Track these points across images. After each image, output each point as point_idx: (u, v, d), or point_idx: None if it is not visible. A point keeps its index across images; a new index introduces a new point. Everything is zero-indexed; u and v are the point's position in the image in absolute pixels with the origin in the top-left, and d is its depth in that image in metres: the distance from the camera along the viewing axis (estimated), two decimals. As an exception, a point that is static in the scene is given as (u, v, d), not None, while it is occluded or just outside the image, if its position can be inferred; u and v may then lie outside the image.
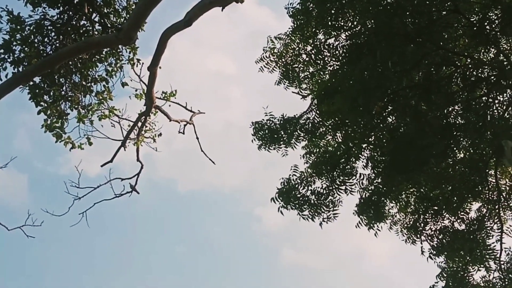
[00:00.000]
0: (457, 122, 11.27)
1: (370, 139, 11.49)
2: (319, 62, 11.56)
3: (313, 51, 11.56)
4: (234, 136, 33.49)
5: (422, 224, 11.82)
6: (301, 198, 11.62)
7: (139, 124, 15.49)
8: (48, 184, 31.31)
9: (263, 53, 12.54)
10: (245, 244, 35.99)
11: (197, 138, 15.75)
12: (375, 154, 11.59)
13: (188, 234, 36.21)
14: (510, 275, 11.30)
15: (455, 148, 11.39)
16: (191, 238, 35.43)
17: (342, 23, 11.23)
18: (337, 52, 11.31)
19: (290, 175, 11.84)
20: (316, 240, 33.84)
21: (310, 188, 11.77)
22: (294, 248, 34.75)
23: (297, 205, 11.55)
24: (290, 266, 33.97)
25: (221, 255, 34.44)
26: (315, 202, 11.64)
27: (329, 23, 11.18)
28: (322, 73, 11.84)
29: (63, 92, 14.52)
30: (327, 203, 11.68)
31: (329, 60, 11.49)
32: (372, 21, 10.56)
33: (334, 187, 11.68)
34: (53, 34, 14.22)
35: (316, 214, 11.59)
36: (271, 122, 12.18)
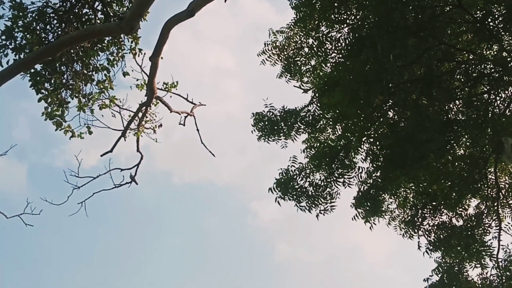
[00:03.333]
0: (458, 118, 11.23)
1: (369, 133, 11.44)
2: (321, 54, 11.51)
3: (315, 43, 11.51)
4: (231, 129, 33.52)
5: (420, 219, 11.80)
6: (299, 189, 11.59)
7: (140, 114, 15.47)
8: (47, 175, 31.30)
9: (264, 47, 12.53)
10: (240, 238, 36.07)
11: (198, 130, 15.72)
12: (374, 147, 11.54)
13: (183, 226, 36.27)
14: (507, 273, 11.27)
15: (454, 144, 11.36)
16: (186, 230, 35.50)
17: (344, 16, 11.19)
18: (339, 44, 11.27)
19: (288, 166, 11.83)
20: (312, 236, 33.79)
21: (308, 179, 11.74)
22: (289, 243, 34.80)
23: (294, 196, 11.53)
24: (285, 261, 34.04)
25: (216, 249, 34.47)
26: (313, 193, 11.61)
27: (332, 16, 11.14)
28: (324, 65, 11.78)
29: (64, 80, 14.49)
30: (325, 195, 11.65)
31: (331, 52, 11.46)
32: (374, 14, 10.51)
33: (332, 180, 11.65)
34: (55, 21, 14.21)
35: (313, 205, 11.56)
36: (271, 113, 12.15)
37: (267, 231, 35.83)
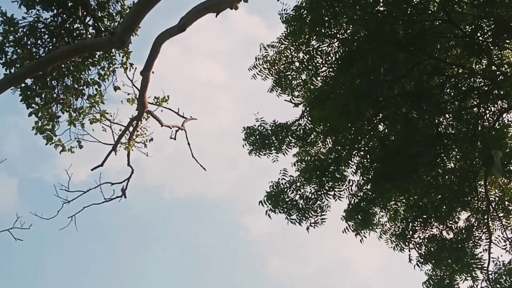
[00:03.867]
0: (448, 131, 11.29)
1: (360, 146, 11.49)
2: (311, 68, 11.56)
3: (306, 57, 11.57)
4: (222, 144, 33.57)
5: (410, 232, 11.83)
6: (289, 202, 11.64)
7: (131, 128, 15.47)
8: (37, 189, 31.19)
9: (256, 61, 12.58)
10: (232, 252, 35.98)
11: (189, 144, 15.74)
12: (365, 160, 11.59)
13: (174, 241, 36.15)
14: (497, 286, 11.29)
15: (445, 157, 11.40)
16: (177, 245, 35.39)
17: (335, 31, 11.26)
18: (329, 58, 11.34)
19: (279, 179, 11.86)
20: (303, 249, 33.85)
21: (298, 192, 11.78)
22: (280, 257, 34.80)
23: (285, 209, 11.57)
24: (276, 275, 33.95)
25: (207, 263, 34.43)
26: (303, 206, 11.65)
27: (322, 30, 11.21)
28: (314, 79, 11.83)
29: (54, 95, 14.48)
30: (315, 208, 11.71)
31: (321, 66, 11.51)
32: (364, 28, 10.58)
33: (322, 192, 11.70)
34: (46, 36, 14.21)
35: (303, 218, 11.60)
36: (262, 127, 12.19)
37: (258, 245, 35.83)
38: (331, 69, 11.38)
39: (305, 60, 11.65)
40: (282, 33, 11.94)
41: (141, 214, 34.03)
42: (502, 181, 12.04)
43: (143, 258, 34.07)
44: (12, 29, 13.69)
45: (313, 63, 11.49)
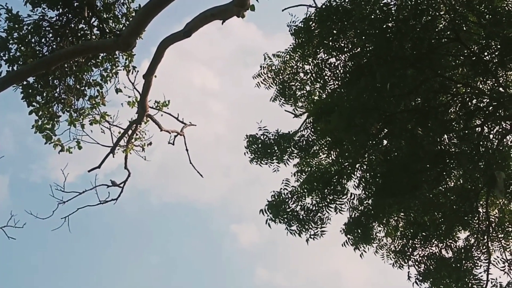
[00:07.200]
0: (451, 150, 11.27)
1: (364, 160, 11.47)
2: (319, 80, 11.53)
3: (314, 69, 11.54)
4: (213, 150, 33.40)
5: (410, 249, 11.79)
6: (290, 213, 11.59)
7: (130, 131, 15.44)
8: (24, 189, 30.99)
9: (260, 69, 12.53)
10: (220, 260, 35.69)
11: (187, 150, 15.81)
12: (368, 175, 11.57)
13: (161, 247, 35.84)
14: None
15: (446, 176, 11.40)
16: (164, 251, 35.09)
17: (343, 44, 11.24)
18: (337, 71, 11.31)
19: (281, 189, 11.82)
20: (291, 261, 33.73)
21: (300, 203, 11.73)
22: (268, 267, 34.65)
23: (285, 219, 11.52)
24: (264, 285, 33.78)
25: (194, 272, 34.15)
26: (304, 217, 11.60)
27: (331, 43, 11.19)
28: (321, 91, 11.82)
29: (56, 94, 14.46)
30: (316, 220, 11.64)
31: (329, 79, 11.48)
32: (372, 43, 10.57)
33: (324, 204, 11.65)
34: (50, 35, 14.21)
35: (303, 230, 11.56)
36: (265, 136, 12.14)
37: (246, 255, 35.68)
38: (338, 82, 11.35)
39: (312, 72, 11.61)
40: (290, 45, 11.91)
41: (128, 217, 33.82)
42: (502, 202, 12.02)
43: (131, 262, 33.83)
44: (16, 26, 13.67)
45: (322, 76, 11.45)
